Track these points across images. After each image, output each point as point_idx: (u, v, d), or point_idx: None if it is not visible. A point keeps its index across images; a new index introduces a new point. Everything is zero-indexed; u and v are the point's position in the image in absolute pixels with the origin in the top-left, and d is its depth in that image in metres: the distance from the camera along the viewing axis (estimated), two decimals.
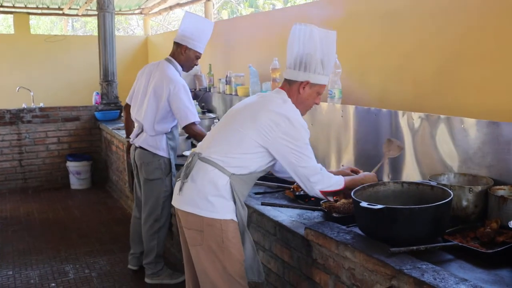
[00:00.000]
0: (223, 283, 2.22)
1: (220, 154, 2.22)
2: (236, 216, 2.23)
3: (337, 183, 2.30)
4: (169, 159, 3.52)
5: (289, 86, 2.30)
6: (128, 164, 3.95)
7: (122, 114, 4.07)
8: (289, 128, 2.18)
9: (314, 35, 2.22)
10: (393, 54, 3.25)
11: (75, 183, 6.68)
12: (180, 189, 2.28)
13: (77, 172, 6.63)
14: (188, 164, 2.28)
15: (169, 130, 3.52)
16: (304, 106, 2.32)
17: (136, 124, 3.66)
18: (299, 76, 2.26)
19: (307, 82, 2.26)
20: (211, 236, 2.20)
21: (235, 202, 2.22)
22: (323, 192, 2.28)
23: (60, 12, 8.83)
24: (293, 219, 2.46)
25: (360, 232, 2.08)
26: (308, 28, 2.23)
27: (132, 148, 3.69)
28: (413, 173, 2.72)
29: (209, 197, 2.19)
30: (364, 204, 1.94)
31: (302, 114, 2.33)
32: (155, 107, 3.42)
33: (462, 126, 2.42)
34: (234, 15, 16.03)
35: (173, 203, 2.38)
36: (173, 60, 3.49)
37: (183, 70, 3.55)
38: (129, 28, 18.87)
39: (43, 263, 4.14)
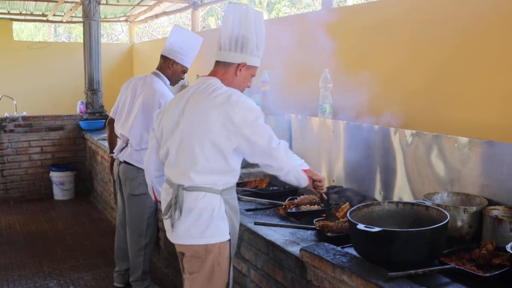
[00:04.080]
0: None
1: (203, 176, 2.10)
2: (230, 232, 2.18)
3: (304, 163, 2.22)
4: None
5: (224, 69, 2.18)
6: (112, 177, 3.87)
7: (105, 130, 3.98)
8: (239, 116, 2.04)
9: (249, 15, 2.13)
10: (382, 67, 3.25)
11: (58, 193, 6.55)
12: (172, 225, 2.17)
13: (60, 183, 6.51)
14: (174, 200, 2.14)
15: None
16: (239, 89, 2.20)
17: (120, 139, 3.58)
18: (235, 57, 2.15)
19: (244, 64, 2.17)
20: (209, 261, 2.16)
21: (228, 218, 2.17)
22: (306, 172, 2.16)
23: (44, 18, 8.71)
24: (286, 238, 2.43)
25: (355, 253, 2.05)
26: (244, 8, 2.15)
27: (115, 163, 3.60)
28: (405, 191, 2.71)
29: (207, 224, 2.12)
30: (361, 226, 1.92)
31: None
32: (143, 122, 3.35)
33: (456, 145, 2.42)
34: (219, 21, 16.02)
35: (168, 238, 2.28)
36: (160, 74, 3.43)
37: (170, 84, 3.50)
38: (113, 34, 18.71)
39: (26, 278, 4.03)
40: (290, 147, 3.56)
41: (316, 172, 2.28)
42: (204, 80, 2.22)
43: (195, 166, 2.10)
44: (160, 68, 3.47)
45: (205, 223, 2.11)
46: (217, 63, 2.21)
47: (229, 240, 2.19)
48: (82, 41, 6.76)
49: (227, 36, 2.14)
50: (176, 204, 2.12)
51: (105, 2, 7.59)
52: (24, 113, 6.70)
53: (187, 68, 3.47)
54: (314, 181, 2.27)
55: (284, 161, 2.11)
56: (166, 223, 2.24)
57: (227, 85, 2.18)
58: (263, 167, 2.20)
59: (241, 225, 2.66)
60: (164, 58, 3.44)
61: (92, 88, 6.68)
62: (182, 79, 3.57)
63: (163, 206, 2.27)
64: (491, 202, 2.26)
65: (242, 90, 2.24)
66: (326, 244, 2.16)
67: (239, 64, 2.17)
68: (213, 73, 2.22)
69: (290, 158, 2.13)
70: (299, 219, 2.74)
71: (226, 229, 2.16)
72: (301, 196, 2.94)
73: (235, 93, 2.12)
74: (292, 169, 2.15)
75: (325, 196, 2.42)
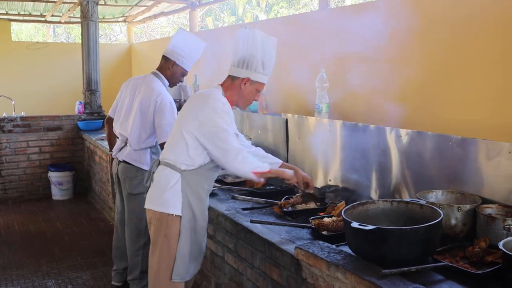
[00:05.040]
0: (155, 278, 2.49)
1: (171, 155, 2.49)
2: (183, 211, 2.43)
3: (264, 165, 2.49)
4: None
5: (232, 81, 2.52)
6: (112, 177, 3.88)
7: (104, 129, 3.99)
8: (207, 115, 2.41)
9: (256, 38, 2.45)
10: (379, 69, 3.27)
11: (56, 193, 6.56)
12: (146, 191, 2.61)
13: (59, 183, 6.52)
14: (149, 170, 2.62)
15: (154, 144, 3.46)
16: (244, 101, 2.57)
17: (119, 138, 3.59)
18: (241, 73, 2.48)
19: (248, 79, 2.48)
20: (157, 228, 2.48)
21: (184, 198, 2.43)
22: (256, 173, 2.44)
23: (43, 19, 8.71)
24: (282, 236, 2.45)
25: (350, 251, 2.07)
26: (252, 32, 2.47)
27: (114, 162, 3.61)
28: (401, 189, 2.73)
29: (161, 193, 2.47)
30: (355, 224, 1.93)
31: (243, 108, 2.65)
32: (141, 121, 3.36)
33: (450, 143, 2.44)
34: (217, 22, 16.05)
35: None
36: (160, 74, 3.44)
37: (168, 85, 3.51)
38: (112, 34, 18.71)
39: (24, 278, 4.04)
40: (287, 146, 3.61)
41: (284, 173, 2.63)
42: (214, 86, 2.59)
43: (168, 146, 2.55)
44: (160, 68, 3.48)
45: (159, 192, 2.48)
46: (228, 76, 2.55)
47: (180, 217, 2.43)
48: (80, 41, 6.78)
49: (237, 55, 2.49)
50: (150, 173, 2.59)
51: (103, 2, 7.59)
52: (23, 114, 6.72)
53: (186, 71, 3.48)
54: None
55: (231, 162, 2.40)
56: None
57: (230, 95, 2.52)
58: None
59: (237, 223, 2.69)
60: (165, 58, 3.45)
61: (90, 88, 6.70)
62: (181, 81, 3.57)
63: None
64: (484, 200, 2.27)
65: (249, 102, 2.60)
66: (320, 242, 2.18)
67: (243, 79, 2.49)
68: (222, 83, 2.57)
69: (239, 161, 2.40)
70: (295, 217, 2.76)
71: (178, 204, 2.44)
72: (297, 195, 2.96)
73: (214, 96, 2.46)
74: (237, 170, 2.45)
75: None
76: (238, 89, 2.51)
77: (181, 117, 2.55)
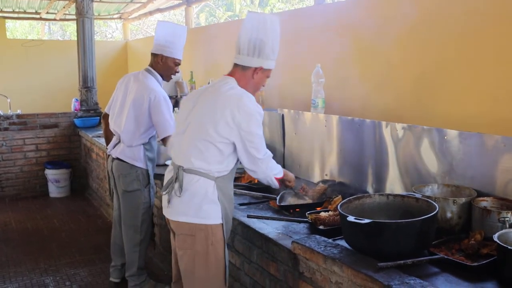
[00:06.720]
0: (208, 284, 2.35)
1: (202, 163, 2.29)
2: (222, 217, 2.32)
3: (281, 170, 2.49)
4: (147, 170, 3.46)
5: (242, 71, 2.35)
6: (108, 173, 3.88)
7: (100, 126, 3.99)
8: (241, 118, 2.24)
9: (267, 22, 2.30)
10: (375, 63, 3.28)
11: (54, 191, 6.56)
12: (169, 201, 2.37)
13: (56, 180, 6.52)
14: (173, 178, 2.34)
15: (147, 141, 3.46)
16: (254, 89, 2.41)
17: (114, 135, 3.59)
18: (252, 62, 2.32)
19: (261, 68, 2.34)
20: (202, 239, 2.30)
21: (221, 205, 2.31)
22: (278, 179, 2.43)
23: (37, 16, 8.69)
24: (279, 231, 2.46)
25: (346, 245, 2.08)
26: (262, 16, 2.36)
27: (109, 159, 3.61)
28: (397, 183, 2.74)
29: (200, 205, 2.28)
30: (351, 218, 1.95)
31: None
32: (134, 118, 3.35)
33: (445, 137, 2.45)
34: (212, 18, 16.03)
35: (164, 214, 2.46)
36: (152, 70, 3.44)
37: (164, 79, 3.49)
38: (107, 31, 18.66)
39: (22, 275, 4.05)
40: (283, 142, 3.63)
41: (288, 173, 2.64)
42: (223, 78, 2.40)
43: (196, 152, 2.29)
44: (151, 64, 3.47)
45: (197, 204, 2.29)
46: (236, 65, 2.38)
47: (222, 224, 2.32)
48: (76, 38, 6.76)
49: (246, 41, 2.30)
50: (176, 182, 2.31)
51: None
52: (19, 111, 6.71)
53: (179, 60, 3.46)
54: (284, 181, 2.59)
55: (263, 171, 2.36)
56: (164, 199, 2.43)
57: (243, 85, 2.34)
58: (245, 168, 2.39)
59: (234, 219, 2.69)
60: (153, 55, 3.45)
61: (86, 85, 6.69)
62: (177, 72, 3.55)
63: (164, 183, 2.45)
64: (480, 194, 2.28)
65: (258, 89, 2.46)
66: (317, 236, 2.19)
67: (256, 68, 2.33)
68: (231, 74, 2.39)
69: (269, 168, 2.37)
70: (291, 212, 2.77)
71: (218, 213, 2.31)
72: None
73: (247, 96, 2.29)
74: (266, 176, 2.40)
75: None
76: (250, 79, 2.34)
77: (205, 124, 2.28)
